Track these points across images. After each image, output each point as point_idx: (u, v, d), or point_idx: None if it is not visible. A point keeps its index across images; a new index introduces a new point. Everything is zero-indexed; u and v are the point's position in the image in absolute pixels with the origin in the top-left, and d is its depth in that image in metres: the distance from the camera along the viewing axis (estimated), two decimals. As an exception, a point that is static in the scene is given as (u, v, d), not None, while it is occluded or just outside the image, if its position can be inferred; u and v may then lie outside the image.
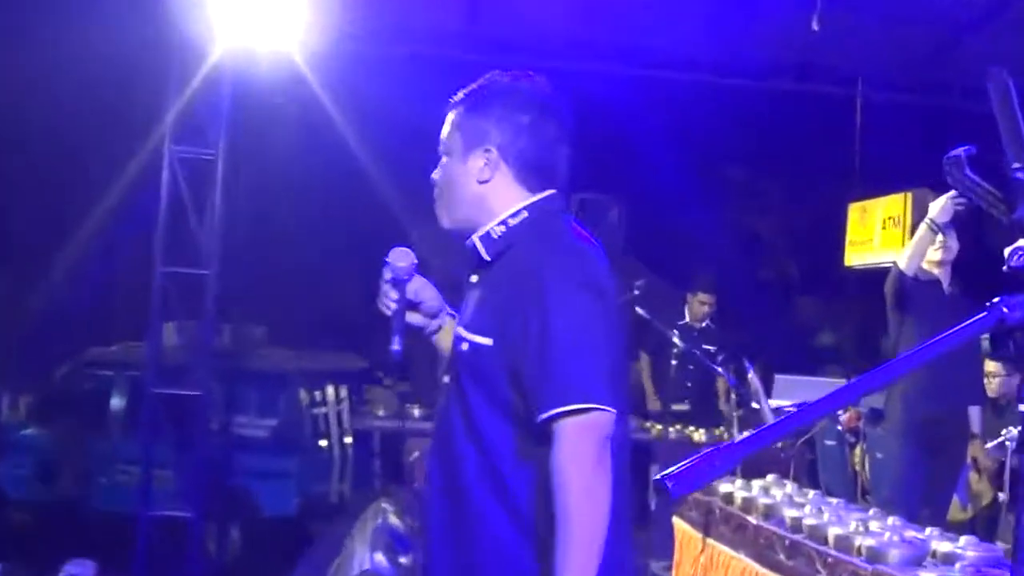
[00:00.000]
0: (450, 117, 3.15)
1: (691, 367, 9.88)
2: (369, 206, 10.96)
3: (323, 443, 12.95)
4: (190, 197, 8.74)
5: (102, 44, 10.69)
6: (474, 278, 3.12)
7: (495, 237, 3.06)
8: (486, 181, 3.08)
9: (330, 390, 13.01)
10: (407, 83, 9.78)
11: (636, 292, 8.57)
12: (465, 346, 3.00)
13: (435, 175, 3.17)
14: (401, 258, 3.22)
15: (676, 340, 8.90)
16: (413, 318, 3.28)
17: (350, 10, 9.23)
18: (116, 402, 13.30)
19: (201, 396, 8.68)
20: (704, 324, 10.59)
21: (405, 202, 10.88)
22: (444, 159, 3.15)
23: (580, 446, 2.76)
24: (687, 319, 10.64)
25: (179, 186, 8.70)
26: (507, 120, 3.07)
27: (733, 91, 11.56)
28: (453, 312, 3.29)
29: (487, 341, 2.95)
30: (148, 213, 9.00)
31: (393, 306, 3.21)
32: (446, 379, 3.09)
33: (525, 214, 3.06)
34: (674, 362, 9.82)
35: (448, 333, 3.26)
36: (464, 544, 2.94)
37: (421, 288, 3.27)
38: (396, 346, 3.17)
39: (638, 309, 8.43)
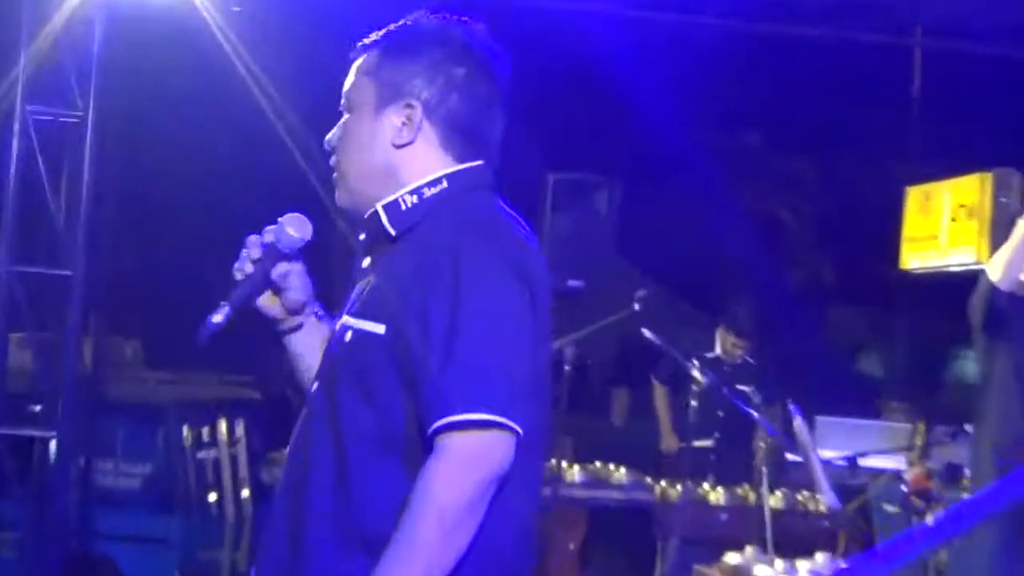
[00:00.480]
0: (359, 64, 3.24)
1: (720, 412, 9.93)
2: (281, 185, 10.91)
3: (212, 497, 13.00)
4: (48, 173, 8.95)
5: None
6: (367, 261, 3.22)
7: (404, 208, 3.15)
8: (404, 145, 3.17)
9: (222, 426, 12.98)
10: (339, 17, 9.86)
11: (637, 307, 8.59)
12: (348, 335, 3.09)
13: (331, 137, 3.27)
14: (296, 226, 3.26)
15: (697, 375, 8.86)
16: (267, 304, 3.33)
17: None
18: None
19: (59, 437, 8.87)
20: (740, 360, 10.73)
21: (328, 180, 10.95)
22: (346, 116, 3.24)
23: (463, 467, 2.81)
24: (718, 352, 10.76)
25: (33, 158, 8.90)
26: (437, 70, 3.16)
27: (754, 38, 11.57)
28: (322, 314, 3.42)
29: (378, 328, 3.02)
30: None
31: (248, 270, 3.25)
32: (314, 386, 3.19)
33: (444, 184, 3.16)
34: (693, 402, 9.76)
35: (309, 336, 3.41)
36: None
37: (295, 274, 3.31)
38: (218, 318, 3.14)
39: (645, 333, 8.37)
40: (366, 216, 3.18)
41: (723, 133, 15.64)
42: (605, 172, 12.01)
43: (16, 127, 8.89)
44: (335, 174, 3.26)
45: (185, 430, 12.75)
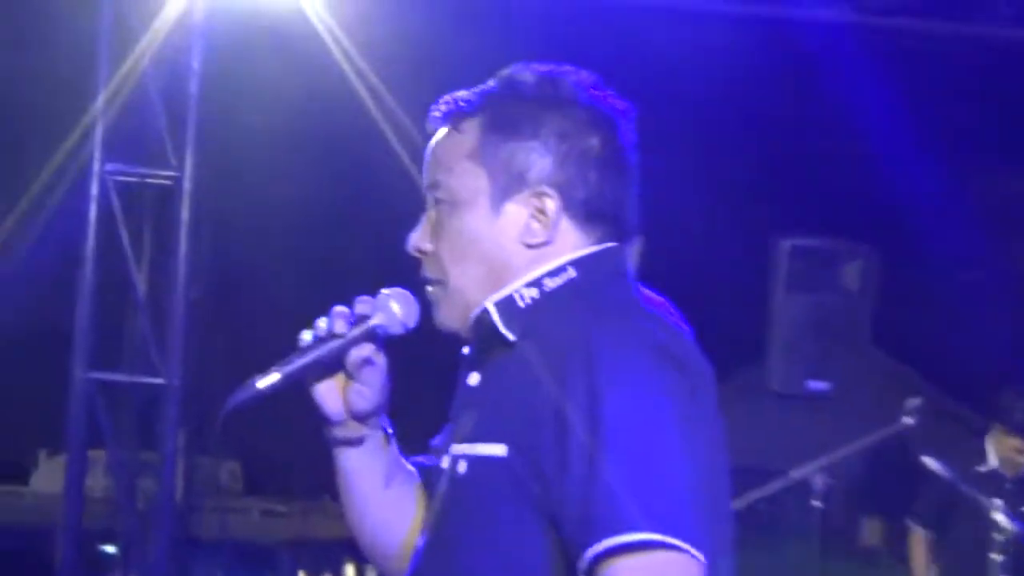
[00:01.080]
0: (450, 142, 3.21)
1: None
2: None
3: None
4: (133, 249, 9.18)
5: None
6: (475, 377, 3.19)
7: (522, 305, 3.13)
8: (540, 245, 3.13)
9: (349, 572, 13.21)
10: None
11: (909, 420, 8.43)
12: (462, 466, 3.06)
13: (418, 243, 3.23)
14: (402, 305, 3.19)
15: (1000, 519, 8.66)
16: (327, 394, 3.24)
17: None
18: None
19: None
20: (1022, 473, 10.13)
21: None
22: (439, 215, 3.21)
23: None
24: (993, 463, 10.23)
25: (115, 230, 9.13)
26: (569, 144, 3.11)
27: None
28: (392, 432, 3.35)
29: (498, 450, 2.99)
30: (61, 275, 9.48)
31: (325, 343, 3.18)
32: (422, 535, 3.20)
33: (570, 272, 3.12)
34: (995, 555, 9.14)
35: (370, 457, 3.34)
36: None
37: (378, 368, 3.23)
38: (264, 383, 3.10)
39: (928, 462, 8.20)
40: (473, 318, 3.13)
41: (1000, 180, 15.22)
42: (855, 237, 11.71)
43: (93, 190, 9.10)
44: (431, 288, 3.19)
45: None
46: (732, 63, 12.95)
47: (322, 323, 3.15)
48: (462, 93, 3.17)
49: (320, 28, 9.22)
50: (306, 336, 3.15)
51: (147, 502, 9.59)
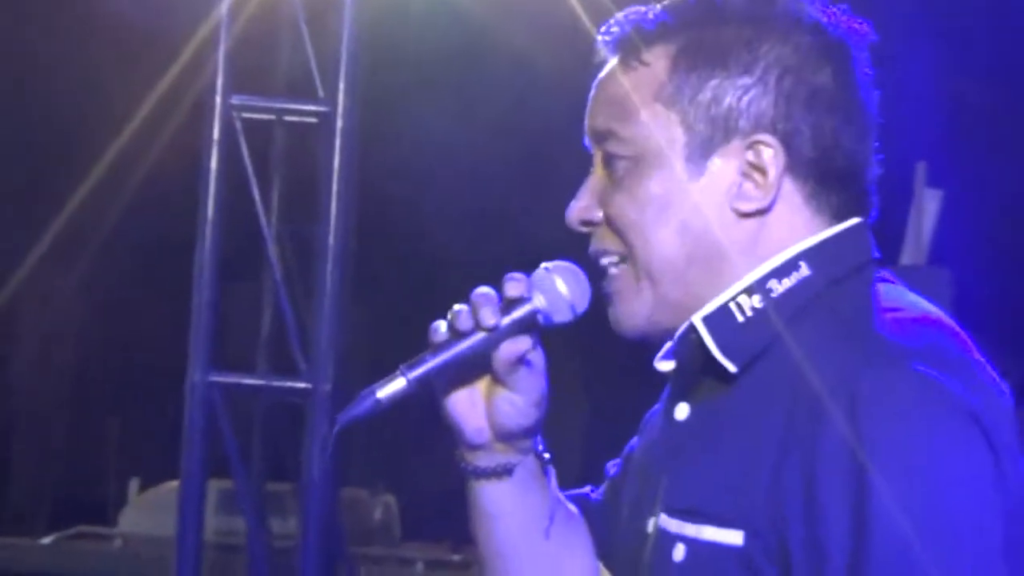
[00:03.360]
0: (629, 77, 2.91)
1: None
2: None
3: None
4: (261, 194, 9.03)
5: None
6: (683, 410, 2.88)
7: (743, 320, 2.81)
8: (756, 213, 2.83)
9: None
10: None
11: None
12: (679, 551, 2.78)
13: (586, 213, 2.90)
14: (568, 284, 2.86)
15: None
16: (466, 406, 2.94)
17: None
18: None
19: None
20: None
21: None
22: (615, 177, 2.89)
23: None
24: None
25: (242, 179, 8.91)
26: (792, 79, 2.82)
27: None
28: (548, 458, 3.04)
29: (732, 538, 2.70)
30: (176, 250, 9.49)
31: (465, 338, 2.81)
32: None
33: (804, 270, 2.84)
34: None
35: (520, 492, 3.02)
36: None
37: (535, 371, 2.89)
38: (386, 391, 2.77)
39: None
40: (677, 335, 2.84)
41: None
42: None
43: (215, 132, 8.98)
44: (608, 269, 2.88)
45: None
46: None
47: (462, 310, 2.83)
48: (644, 9, 2.89)
49: None
50: (441, 328, 2.83)
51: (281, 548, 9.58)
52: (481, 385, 2.92)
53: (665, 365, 2.88)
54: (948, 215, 8.67)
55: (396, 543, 13.34)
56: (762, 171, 2.76)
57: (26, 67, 23.25)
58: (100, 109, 12.55)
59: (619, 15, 2.88)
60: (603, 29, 2.94)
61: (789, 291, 2.80)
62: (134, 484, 14.50)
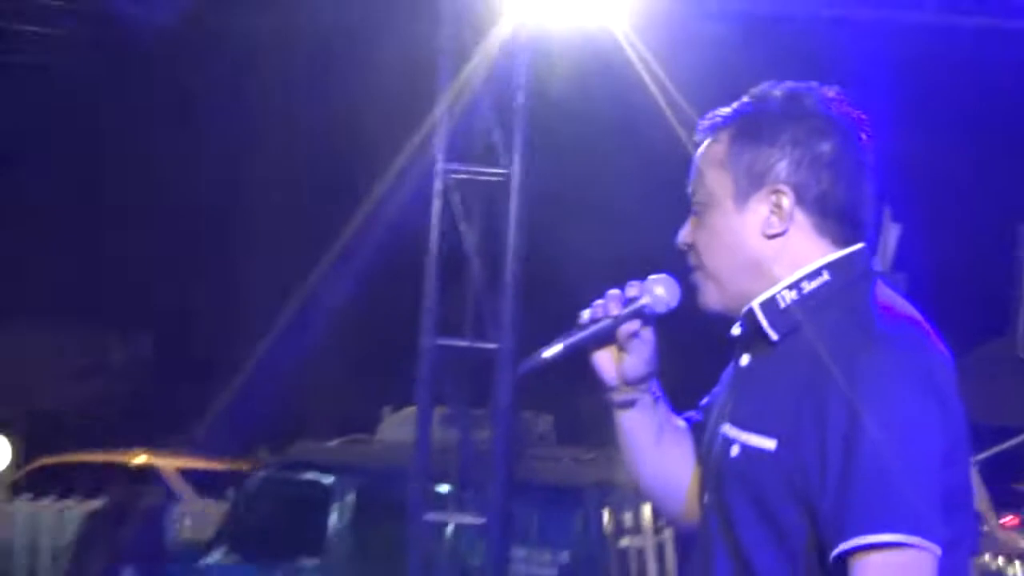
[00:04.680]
0: (706, 153, 3.32)
1: None
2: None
3: (637, 587, 13.39)
4: (474, 236, 9.57)
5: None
6: (745, 359, 3.32)
7: (783, 306, 3.23)
8: (777, 235, 3.24)
9: (646, 512, 13.33)
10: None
11: None
12: (735, 450, 3.19)
13: (686, 236, 3.35)
14: (666, 289, 3.35)
15: None
16: (603, 363, 3.45)
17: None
18: (334, 520, 14.30)
19: (489, 523, 9.54)
20: None
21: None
22: (698, 214, 3.31)
23: None
24: None
25: (456, 219, 9.51)
26: (802, 151, 3.22)
27: None
28: (659, 395, 3.48)
29: (768, 444, 3.12)
30: (411, 257, 9.99)
31: (600, 320, 3.36)
32: (704, 497, 3.32)
33: (825, 276, 3.21)
34: None
35: (642, 415, 3.47)
36: None
37: (644, 340, 3.41)
38: (549, 353, 3.34)
39: None
40: (741, 314, 3.27)
41: None
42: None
43: (437, 187, 9.44)
44: (695, 272, 3.33)
45: (606, 515, 13.26)
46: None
47: (599, 303, 3.33)
48: (723, 109, 3.30)
49: (626, 47, 9.38)
50: (585, 314, 3.33)
51: (480, 450, 10.02)
52: (612, 350, 3.37)
53: (736, 331, 3.30)
54: (904, 239, 8.69)
55: (552, 447, 13.73)
56: (781, 208, 3.17)
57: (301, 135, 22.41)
58: (353, 167, 12.79)
59: (711, 112, 3.31)
60: (700, 121, 3.34)
61: (815, 290, 3.18)
62: (387, 409, 14.67)
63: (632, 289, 3.33)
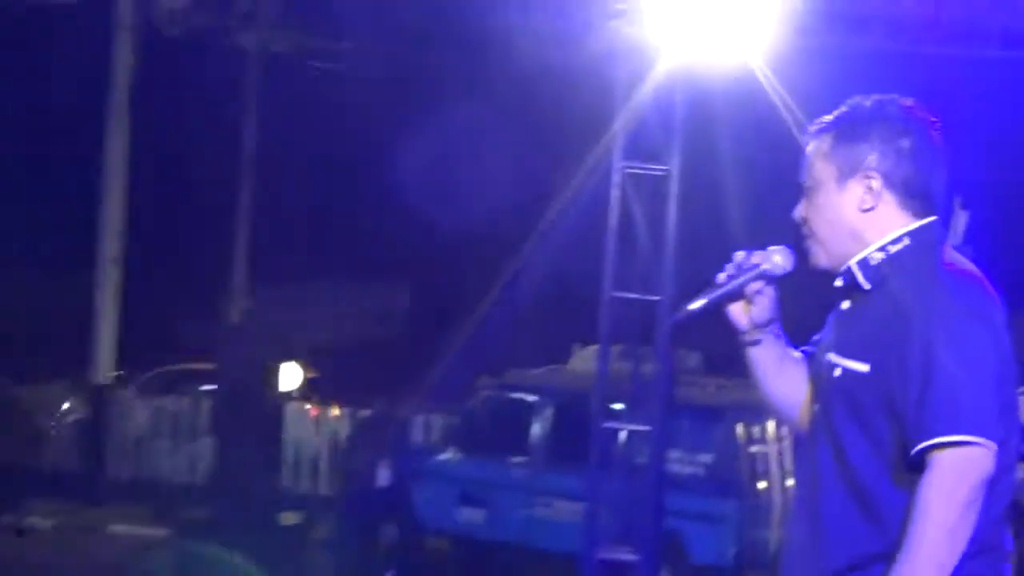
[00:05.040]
0: (814, 148, 3.32)
1: None
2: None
3: (761, 485, 13.27)
4: (641, 216, 9.42)
5: (547, 53, 11.51)
6: (846, 304, 3.28)
7: (873, 264, 3.22)
8: (869, 209, 3.23)
9: (770, 426, 13.31)
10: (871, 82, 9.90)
11: None
12: (838, 371, 3.19)
13: (801, 211, 3.34)
14: (782, 257, 3.34)
15: None
16: (736, 313, 3.41)
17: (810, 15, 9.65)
18: (537, 429, 14.46)
19: (653, 431, 9.48)
20: None
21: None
22: (811, 192, 3.31)
23: (952, 481, 2.96)
24: None
25: (629, 204, 9.39)
26: (887, 145, 3.22)
27: None
28: (779, 334, 3.45)
29: (863, 367, 3.13)
30: (593, 232, 9.88)
31: (735, 279, 3.35)
32: (815, 407, 3.31)
33: (906, 241, 3.21)
34: None
35: (767, 350, 3.44)
36: (822, 553, 3.21)
37: (767, 295, 3.40)
38: (694, 306, 3.33)
39: None
40: (841, 270, 3.25)
41: None
42: None
43: (615, 179, 9.35)
44: (807, 240, 3.32)
45: (740, 428, 13.30)
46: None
47: (731, 268, 3.33)
48: (827, 116, 3.29)
49: (760, 76, 9.37)
50: (721, 277, 3.32)
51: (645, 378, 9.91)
52: (742, 304, 3.36)
53: (838, 283, 3.26)
54: (971, 222, 8.66)
55: (700, 376, 13.60)
56: (871, 189, 3.21)
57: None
58: (556, 164, 12.86)
59: (818, 119, 3.32)
60: (809, 126, 3.35)
61: (898, 252, 3.20)
62: (577, 346, 14.48)
63: (756, 257, 3.32)
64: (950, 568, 2.96)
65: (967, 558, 2.99)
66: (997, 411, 3.01)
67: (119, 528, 16.49)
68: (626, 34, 9.08)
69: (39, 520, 16.41)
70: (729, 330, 3.41)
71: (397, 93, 21.03)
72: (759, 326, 3.42)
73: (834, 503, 3.19)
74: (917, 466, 3.00)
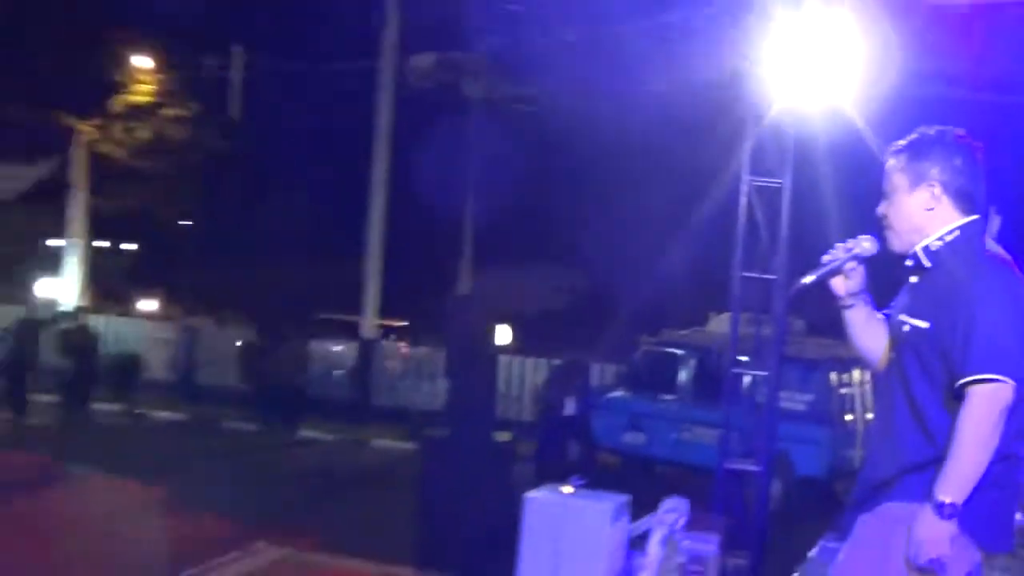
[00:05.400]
0: (893, 163, 3.33)
1: None
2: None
3: (848, 417, 13.17)
4: (763, 218, 9.15)
5: (691, 94, 11.39)
6: (914, 278, 3.31)
7: (933, 249, 3.26)
8: (931, 209, 3.26)
9: (855, 374, 13.18)
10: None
11: None
12: (907, 328, 3.23)
13: (882, 209, 3.37)
14: (870, 243, 3.36)
15: None
16: (836, 285, 3.41)
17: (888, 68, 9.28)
18: (683, 375, 14.43)
19: (768, 377, 9.16)
20: None
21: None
22: (890, 196, 3.33)
23: (984, 408, 3.01)
24: None
25: (753, 208, 9.14)
26: (945, 162, 3.25)
27: None
28: (869, 300, 3.45)
29: (925, 324, 3.18)
30: (725, 228, 9.62)
31: (835, 260, 3.36)
32: (892, 355, 3.33)
33: (957, 232, 3.24)
34: None
35: (859, 314, 3.43)
36: (893, 459, 3.25)
37: (859, 272, 3.40)
38: (807, 280, 3.35)
39: None
40: (910, 253, 3.31)
41: None
42: None
43: (742, 188, 9.15)
44: (886, 230, 3.37)
45: (832, 375, 13.33)
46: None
47: (833, 252, 3.39)
48: (901, 141, 3.35)
49: (853, 116, 9.11)
50: (825, 258, 3.38)
51: (764, 337, 9.53)
52: (841, 278, 3.39)
53: (908, 263, 3.31)
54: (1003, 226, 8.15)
55: (804, 336, 13.48)
56: (933, 195, 3.26)
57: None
58: (697, 179, 12.58)
59: (895, 143, 3.35)
60: (889, 147, 3.38)
61: (952, 241, 3.25)
62: (712, 314, 14.30)
63: (851, 243, 3.37)
64: (982, 469, 3.03)
65: (993, 463, 3.06)
66: (1019, 357, 3.05)
67: (379, 443, 16.95)
68: (751, 83, 8.92)
69: (322, 435, 16.94)
70: (830, 299, 3.43)
71: (580, 127, 20.84)
72: (853, 294, 3.44)
73: (901, 424, 3.24)
74: (960, 396, 3.07)
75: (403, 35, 20.71)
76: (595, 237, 25.07)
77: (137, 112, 27.60)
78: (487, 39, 19.43)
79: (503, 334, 17.73)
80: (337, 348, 20.88)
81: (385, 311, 21.73)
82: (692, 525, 6.36)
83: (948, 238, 3.26)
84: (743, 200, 9.12)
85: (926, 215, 3.29)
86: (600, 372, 17.66)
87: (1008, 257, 3.24)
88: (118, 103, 28.21)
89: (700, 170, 11.51)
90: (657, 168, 21.28)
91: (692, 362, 14.33)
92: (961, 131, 3.34)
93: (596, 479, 6.60)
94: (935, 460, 3.12)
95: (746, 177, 9.12)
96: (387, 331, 21.97)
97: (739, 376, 9.77)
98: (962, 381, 3.08)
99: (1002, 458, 3.10)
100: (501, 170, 24.12)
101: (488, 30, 19.21)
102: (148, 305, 27.65)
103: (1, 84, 14.26)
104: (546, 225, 27.04)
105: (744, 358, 10.05)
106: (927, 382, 3.19)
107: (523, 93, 20.65)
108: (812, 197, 9.97)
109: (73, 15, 22.40)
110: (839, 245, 3.40)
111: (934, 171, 3.27)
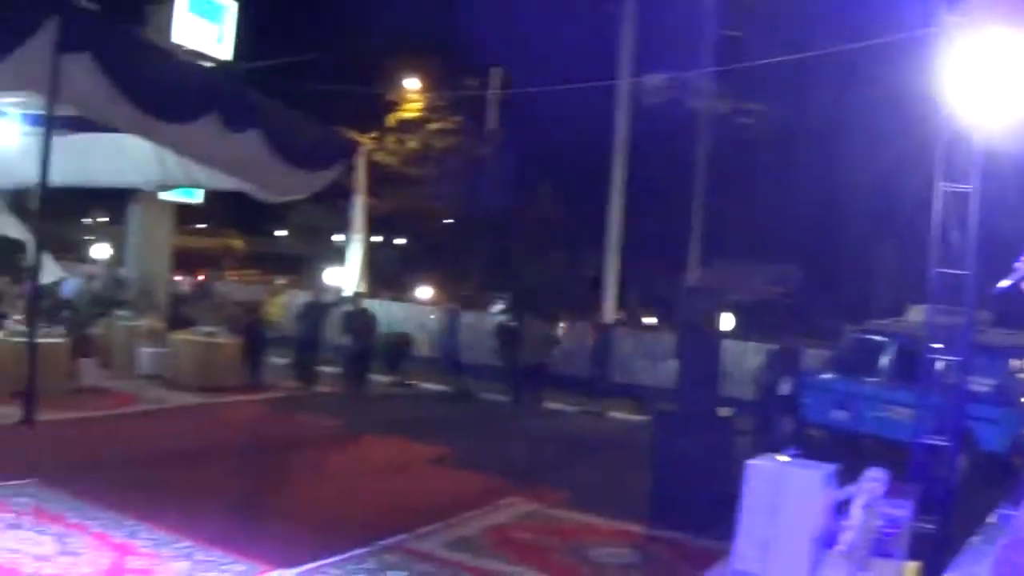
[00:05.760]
0: None
1: None
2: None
3: (1031, 399, 13.26)
4: (954, 219, 9.12)
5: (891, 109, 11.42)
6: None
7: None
8: None
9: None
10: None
11: None
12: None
13: None
14: None
15: None
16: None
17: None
18: (884, 360, 14.42)
19: (959, 362, 9.15)
20: None
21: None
22: None
23: None
24: None
25: (946, 214, 9.13)
26: None
27: None
28: None
29: None
30: (922, 229, 9.54)
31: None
32: None
33: None
34: None
35: None
36: None
37: None
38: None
39: None
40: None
41: None
42: None
43: (937, 193, 9.10)
44: None
45: (1014, 361, 13.08)
46: None
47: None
48: None
49: None
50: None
51: (956, 327, 9.32)
52: None
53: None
54: None
55: (991, 326, 12.75)
56: None
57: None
58: (899, 188, 12.47)
59: None
60: None
61: None
62: (909, 305, 13.71)
63: None
64: None
65: None
66: None
67: (615, 414, 16.95)
68: (943, 100, 8.96)
69: (565, 406, 17.31)
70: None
71: (791, 136, 20.80)
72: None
73: None
74: None
75: (637, 57, 21.06)
76: (808, 236, 24.59)
77: (407, 126, 30.05)
78: (707, 61, 19.51)
79: (726, 321, 17.45)
80: (582, 334, 21.30)
81: (622, 302, 22.03)
82: (889, 493, 6.40)
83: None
84: (937, 204, 9.00)
85: None
86: (811, 357, 17.29)
87: None
88: (392, 119, 30.31)
89: (905, 179, 11.65)
90: (862, 175, 20.82)
91: (892, 348, 14.27)
92: None
93: (807, 451, 6.76)
94: None
95: (939, 183, 9.05)
96: (623, 317, 22.25)
97: (933, 361, 9.62)
98: None
99: None
100: (725, 174, 24.12)
101: (708, 54, 19.35)
102: (420, 292, 28.79)
103: (301, 106, 15.89)
104: (762, 223, 26.43)
105: (938, 345, 10.01)
106: None
107: (741, 107, 20.66)
108: (997, 202, 9.80)
109: (355, 46, 24.02)
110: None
111: None
